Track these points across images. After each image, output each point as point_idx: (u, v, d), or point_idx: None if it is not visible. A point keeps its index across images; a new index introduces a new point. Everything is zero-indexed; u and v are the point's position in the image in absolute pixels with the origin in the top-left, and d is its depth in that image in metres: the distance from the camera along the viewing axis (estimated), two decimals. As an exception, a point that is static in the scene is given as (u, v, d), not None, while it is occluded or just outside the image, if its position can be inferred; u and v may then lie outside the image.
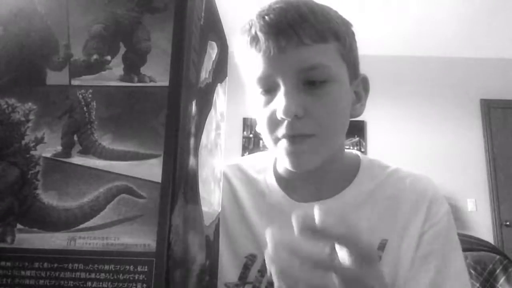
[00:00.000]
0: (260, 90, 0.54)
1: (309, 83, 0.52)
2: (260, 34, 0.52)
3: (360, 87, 0.60)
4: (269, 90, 0.54)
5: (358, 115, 0.60)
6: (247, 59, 0.55)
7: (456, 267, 0.56)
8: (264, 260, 0.59)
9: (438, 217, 0.58)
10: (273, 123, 0.53)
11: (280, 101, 0.51)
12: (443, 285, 0.54)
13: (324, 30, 0.52)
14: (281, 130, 0.53)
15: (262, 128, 0.57)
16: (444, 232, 0.58)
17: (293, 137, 0.52)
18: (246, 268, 0.60)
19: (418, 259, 0.56)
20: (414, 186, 0.61)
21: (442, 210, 0.59)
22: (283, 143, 0.54)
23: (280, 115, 0.51)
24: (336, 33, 0.54)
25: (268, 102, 0.54)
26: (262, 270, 0.60)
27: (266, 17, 0.52)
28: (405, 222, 0.58)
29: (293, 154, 0.54)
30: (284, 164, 0.56)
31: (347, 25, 0.57)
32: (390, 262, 0.56)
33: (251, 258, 0.60)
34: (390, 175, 0.63)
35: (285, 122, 0.52)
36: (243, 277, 0.60)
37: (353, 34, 0.58)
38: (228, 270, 0.60)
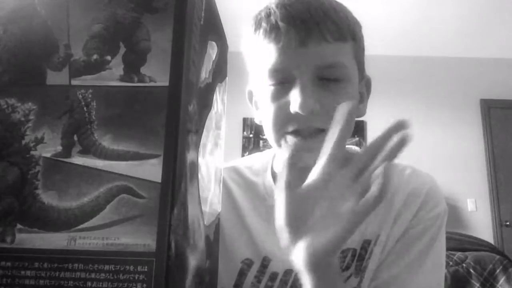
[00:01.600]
0: (271, 81, 0.52)
1: (324, 80, 0.51)
2: (281, 24, 0.50)
3: (364, 88, 0.60)
4: (282, 82, 0.52)
5: (361, 116, 0.59)
6: (260, 48, 0.53)
7: (427, 272, 0.54)
8: (261, 265, 0.58)
9: (429, 215, 0.56)
10: (283, 117, 0.51)
11: (295, 96, 0.50)
12: (408, 282, 0.53)
13: (344, 28, 0.51)
14: (292, 125, 0.51)
15: (267, 121, 0.54)
16: (428, 233, 0.56)
17: (305, 133, 0.51)
18: (242, 274, 0.58)
19: (394, 252, 0.55)
20: (412, 178, 0.59)
21: (436, 211, 0.57)
22: (292, 138, 0.52)
23: (295, 109, 0.49)
24: (353, 33, 0.53)
25: (279, 94, 0.52)
26: (259, 276, 0.58)
27: (289, 7, 0.50)
28: (397, 214, 0.57)
29: (305, 149, 0.51)
30: (293, 160, 0.55)
31: (359, 26, 0.57)
32: (378, 253, 0.56)
33: (248, 263, 0.59)
34: None
35: (297, 117, 0.50)
36: (238, 284, 0.58)
37: (363, 36, 0.58)
38: (223, 276, 0.57)
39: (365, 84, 0.60)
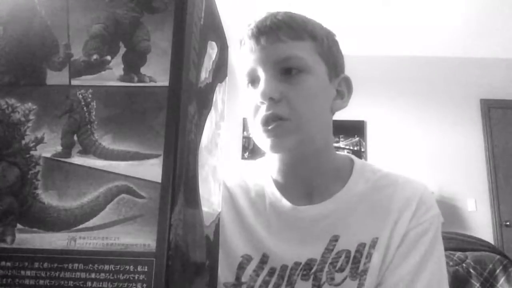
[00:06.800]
0: (246, 83, 0.62)
1: (286, 73, 0.59)
2: (246, 38, 0.61)
3: (343, 86, 0.66)
4: (254, 82, 0.61)
5: (339, 109, 0.66)
6: (238, 60, 0.63)
7: (432, 270, 0.58)
8: (259, 260, 0.62)
9: (425, 217, 0.61)
10: (255, 109, 0.60)
11: (259, 88, 0.58)
12: (415, 284, 0.56)
13: (300, 30, 0.60)
14: (259, 114, 0.59)
15: (248, 116, 0.62)
16: (428, 234, 0.60)
17: (270, 120, 0.57)
18: (241, 267, 0.62)
19: (398, 255, 0.59)
20: (406, 185, 0.64)
21: (431, 213, 0.62)
22: (261, 126, 0.59)
23: (258, 99, 0.58)
24: (312, 34, 0.61)
25: (253, 92, 0.60)
26: (257, 270, 0.62)
27: (252, 23, 0.61)
28: (396, 219, 0.61)
29: (270, 136, 0.58)
30: (264, 148, 0.62)
31: (327, 32, 0.65)
32: (379, 258, 0.59)
33: (247, 258, 0.62)
34: (382, 178, 0.66)
35: (262, 107, 0.58)
36: (238, 277, 0.62)
37: (334, 41, 0.65)
38: (224, 270, 0.62)
39: (344, 83, 0.67)
